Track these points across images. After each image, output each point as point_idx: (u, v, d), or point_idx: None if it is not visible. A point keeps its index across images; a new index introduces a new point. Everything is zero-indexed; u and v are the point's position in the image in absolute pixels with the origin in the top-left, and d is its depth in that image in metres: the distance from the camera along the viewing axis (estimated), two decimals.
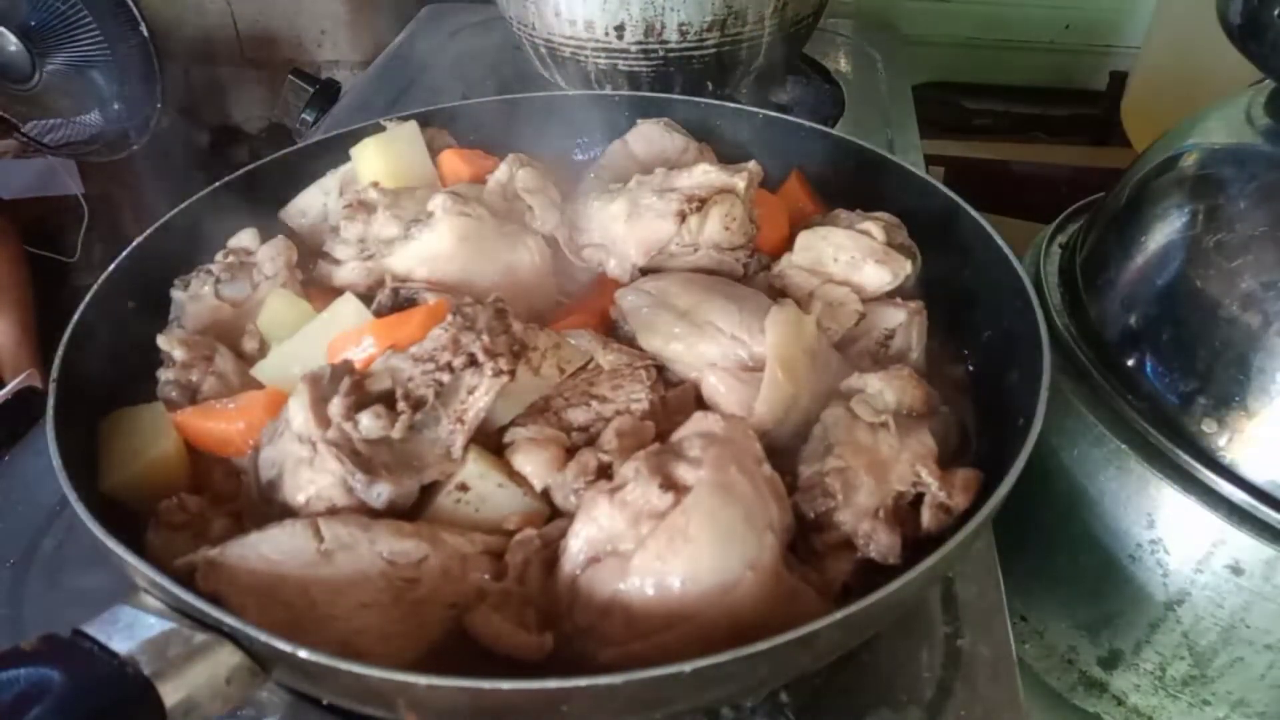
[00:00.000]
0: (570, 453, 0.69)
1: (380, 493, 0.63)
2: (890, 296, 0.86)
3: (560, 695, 0.51)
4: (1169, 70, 1.66)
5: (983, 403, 0.82)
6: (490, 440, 0.70)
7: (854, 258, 0.86)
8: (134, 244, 0.85)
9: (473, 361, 0.66)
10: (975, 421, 0.81)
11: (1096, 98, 2.01)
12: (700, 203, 0.87)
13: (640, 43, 1.25)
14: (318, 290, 0.89)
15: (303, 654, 0.51)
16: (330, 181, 0.99)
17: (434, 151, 1.01)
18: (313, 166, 1.01)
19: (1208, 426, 0.78)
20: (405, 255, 0.83)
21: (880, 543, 0.66)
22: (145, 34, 2.13)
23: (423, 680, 0.50)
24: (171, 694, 0.51)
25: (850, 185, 1.01)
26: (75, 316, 0.76)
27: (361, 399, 0.65)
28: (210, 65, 2.73)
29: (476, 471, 0.66)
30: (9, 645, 0.50)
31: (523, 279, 0.85)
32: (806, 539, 0.68)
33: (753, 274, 0.91)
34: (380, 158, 0.95)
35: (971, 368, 0.87)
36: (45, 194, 2.60)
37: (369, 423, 0.63)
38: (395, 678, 0.51)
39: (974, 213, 0.89)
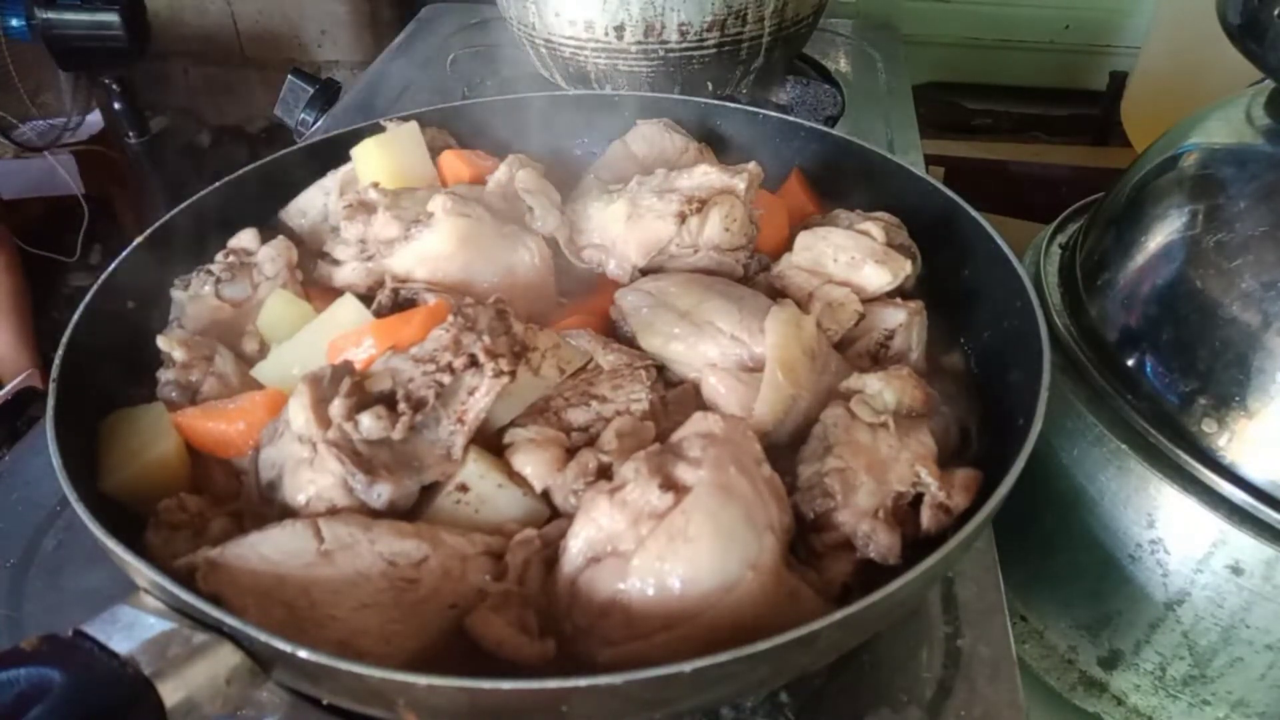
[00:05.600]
0: (570, 453, 0.69)
1: (380, 493, 0.63)
2: (890, 297, 0.86)
3: (560, 695, 0.51)
4: (1169, 70, 1.66)
5: (983, 403, 0.82)
6: (490, 441, 0.70)
7: (854, 258, 0.86)
8: (134, 244, 0.85)
9: (473, 362, 0.66)
10: (975, 421, 0.81)
11: (1096, 98, 2.01)
12: (700, 204, 0.87)
13: (640, 43, 1.25)
14: (318, 291, 0.89)
15: (303, 654, 0.51)
16: (330, 181, 0.99)
17: (434, 151, 1.01)
18: (313, 166, 1.01)
19: (1208, 426, 0.78)
20: (405, 256, 0.83)
21: (880, 543, 0.66)
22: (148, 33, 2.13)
23: (423, 680, 0.50)
24: (171, 694, 0.51)
25: (850, 185, 1.01)
26: (75, 316, 0.76)
27: (362, 400, 0.65)
28: (210, 65, 2.73)
29: (476, 472, 0.66)
30: (9, 645, 0.50)
31: (523, 279, 0.85)
32: (806, 539, 0.68)
33: (753, 274, 0.91)
34: (380, 158, 0.95)
35: (972, 368, 0.87)
36: (45, 194, 2.60)
37: (369, 423, 0.63)
38: (395, 678, 0.51)
39: (974, 213, 0.89)
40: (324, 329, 0.78)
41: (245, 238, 0.90)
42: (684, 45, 1.26)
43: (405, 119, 1.02)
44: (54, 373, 0.72)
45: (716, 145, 1.08)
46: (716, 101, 1.12)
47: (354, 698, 0.56)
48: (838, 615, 0.54)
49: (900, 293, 0.87)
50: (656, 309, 0.81)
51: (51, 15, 2.03)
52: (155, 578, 0.55)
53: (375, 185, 0.90)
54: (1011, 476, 0.63)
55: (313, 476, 0.64)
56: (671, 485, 0.61)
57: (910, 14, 1.97)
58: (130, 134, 2.39)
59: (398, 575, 0.61)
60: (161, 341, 0.79)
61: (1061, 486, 0.88)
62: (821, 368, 0.77)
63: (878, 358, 0.83)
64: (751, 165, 0.90)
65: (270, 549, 0.60)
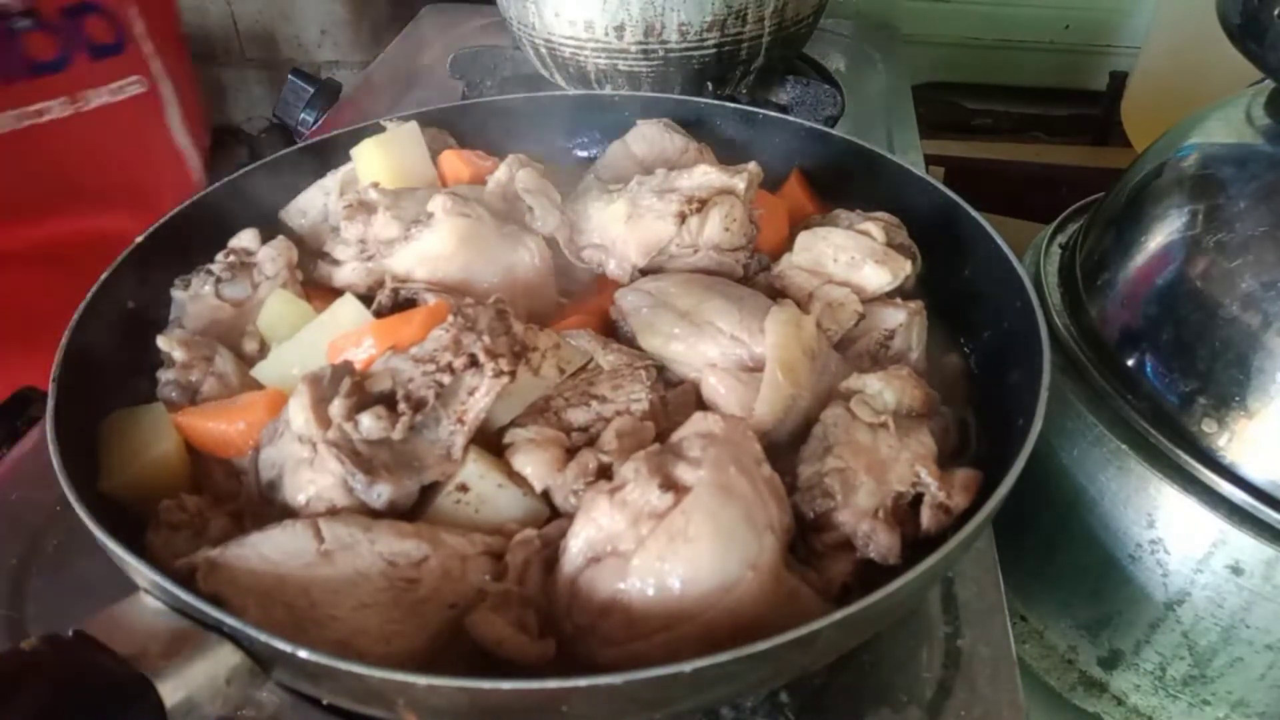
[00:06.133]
0: (570, 453, 0.69)
1: (380, 493, 0.63)
2: (890, 297, 0.86)
3: (560, 695, 0.51)
4: (1169, 70, 1.66)
5: (983, 403, 0.82)
6: (490, 441, 0.70)
7: (854, 258, 0.86)
8: (134, 244, 0.85)
9: (473, 362, 0.66)
10: (975, 421, 0.81)
11: (1096, 98, 2.01)
12: (700, 204, 0.87)
13: (640, 43, 1.25)
14: (318, 291, 0.89)
15: (303, 654, 0.51)
16: (330, 181, 0.99)
17: (434, 151, 1.01)
18: (313, 166, 1.01)
19: (1208, 426, 0.78)
20: (405, 256, 0.83)
21: (880, 543, 0.66)
22: None
23: (423, 680, 0.51)
24: (171, 694, 0.51)
25: (850, 185, 1.01)
26: (75, 316, 0.76)
27: (362, 400, 0.65)
28: (210, 65, 2.73)
29: (476, 472, 0.66)
30: (9, 645, 0.50)
31: (523, 279, 0.85)
32: (806, 539, 0.68)
33: (753, 274, 0.91)
34: (380, 158, 0.95)
35: (972, 368, 0.87)
36: None
37: (369, 423, 0.63)
38: (395, 678, 0.51)
39: (974, 213, 0.89)
40: (324, 329, 0.78)
41: (245, 238, 0.90)
42: (684, 45, 1.25)
43: (405, 119, 1.02)
44: (54, 373, 0.71)
45: (716, 145, 1.08)
46: (716, 101, 1.12)
47: (354, 698, 0.56)
48: (838, 615, 0.54)
49: (900, 293, 0.87)
50: (656, 309, 0.81)
51: None
52: (155, 578, 0.55)
53: (375, 185, 0.90)
54: (1011, 476, 0.63)
55: (313, 476, 0.64)
56: (671, 485, 0.61)
57: (910, 14, 1.97)
58: None
59: (398, 575, 0.61)
60: (161, 341, 0.79)
61: (1061, 486, 0.88)
62: (821, 368, 0.77)
63: (878, 358, 0.83)
64: (751, 165, 0.90)
65: (270, 549, 0.60)
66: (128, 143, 1.35)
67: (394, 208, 0.86)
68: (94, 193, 1.29)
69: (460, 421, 0.66)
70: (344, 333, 0.76)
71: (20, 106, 1.17)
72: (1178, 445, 0.79)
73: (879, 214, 0.94)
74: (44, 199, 1.24)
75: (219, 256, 0.88)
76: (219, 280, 0.86)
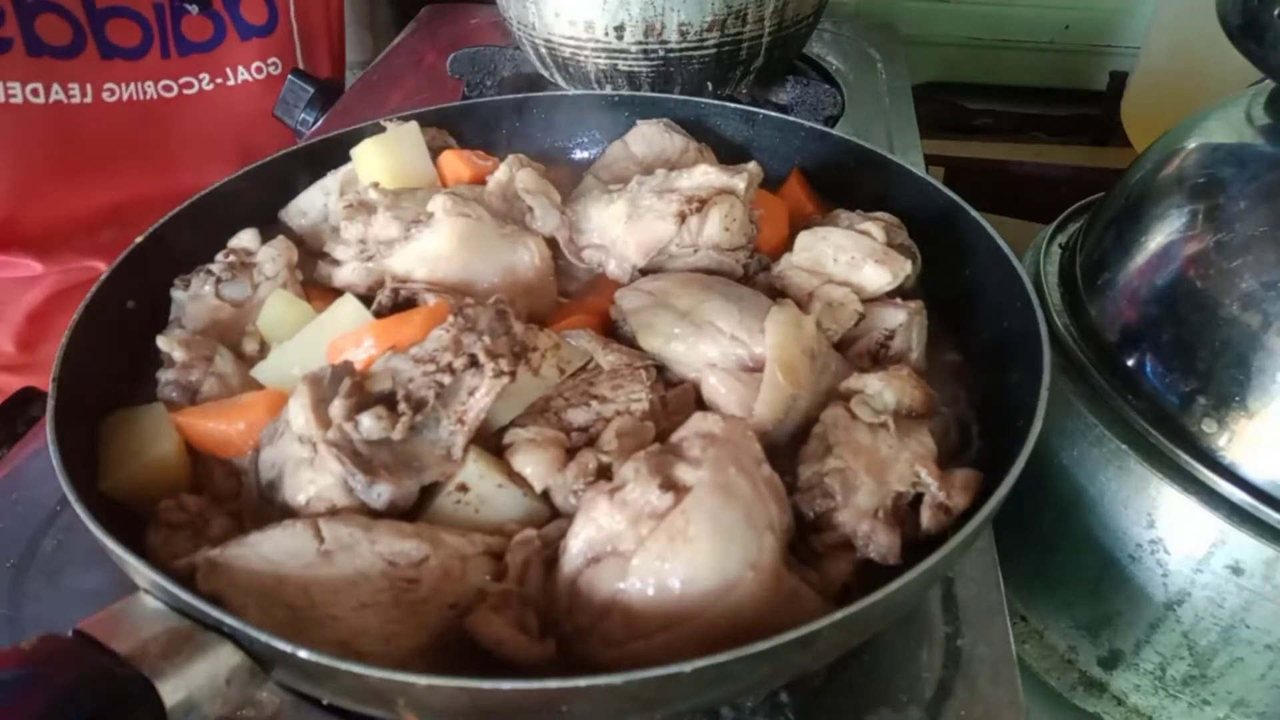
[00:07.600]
0: (570, 453, 0.69)
1: (380, 493, 0.63)
2: (890, 297, 0.86)
3: (560, 695, 0.51)
4: (1169, 70, 1.66)
5: (983, 403, 0.82)
6: (490, 441, 0.70)
7: (854, 258, 0.86)
8: (134, 244, 0.85)
9: (474, 362, 0.66)
10: (975, 421, 0.81)
11: (1096, 98, 2.01)
12: (700, 204, 0.87)
13: (640, 43, 1.25)
14: (318, 291, 0.89)
15: (303, 654, 0.51)
16: (330, 181, 0.99)
17: (434, 152, 1.01)
18: (313, 166, 1.01)
19: (1208, 426, 0.78)
20: (405, 256, 0.83)
21: (880, 543, 0.66)
22: None
23: (423, 680, 0.51)
24: (171, 694, 0.51)
25: (850, 185, 1.01)
26: (75, 316, 0.76)
27: (362, 400, 0.65)
28: None
29: (476, 472, 0.66)
30: (9, 645, 0.50)
31: (523, 280, 0.85)
32: (806, 539, 0.68)
33: (753, 274, 0.91)
34: (380, 158, 0.95)
35: (972, 368, 0.87)
36: None
37: (370, 424, 0.63)
38: (395, 678, 0.51)
39: (974, 213, 0.89)
40: (324, 329, 0.78)
41: (245, 238, 0.90)
42: (684, 45, 1.25)
43: (405, 119, 1.02)
44: (54, 373, 0.71)
45: (716, 145, 1.08)
46: (716, 101, 1.12)
47: (354, 698, 0.56)
48: (838, 615, 0.54)
49: (900, 293, 0.87)
50: (656, 309, 0.81)
51: None
52: (155, 578, 0.55)
53: (375, 185, 0.90)
54: (1011, 477, 0.63)
55: (313, 476, 0.64)
56: (671, 485, 0.61)
57: (910, 14, 1.97)
58: None
59: (398, 575, 0.61)
60: (161, 341, 0.79)
61: (1061, 486, 0.88)
62: (821, 368, 0.77)
63: (878, 358, 0.83)
64: (751, 165, 0.90)
65: (270, 549, 0.60)
66: (264, 114, 1.52)
67: (394, 208, 0.86)
68: (233, 153, 1.47)
69: (460, 422, 0.66)
70: (344, 333, 0.76)
71: (170, 78, 1.35)
72: (1178, 445, 0.79)
73: (879, 214, 0.94)
74: (185, 156, 1.41)
75: (219, 256, 0.88)
76: (219, 280, 0.86)
